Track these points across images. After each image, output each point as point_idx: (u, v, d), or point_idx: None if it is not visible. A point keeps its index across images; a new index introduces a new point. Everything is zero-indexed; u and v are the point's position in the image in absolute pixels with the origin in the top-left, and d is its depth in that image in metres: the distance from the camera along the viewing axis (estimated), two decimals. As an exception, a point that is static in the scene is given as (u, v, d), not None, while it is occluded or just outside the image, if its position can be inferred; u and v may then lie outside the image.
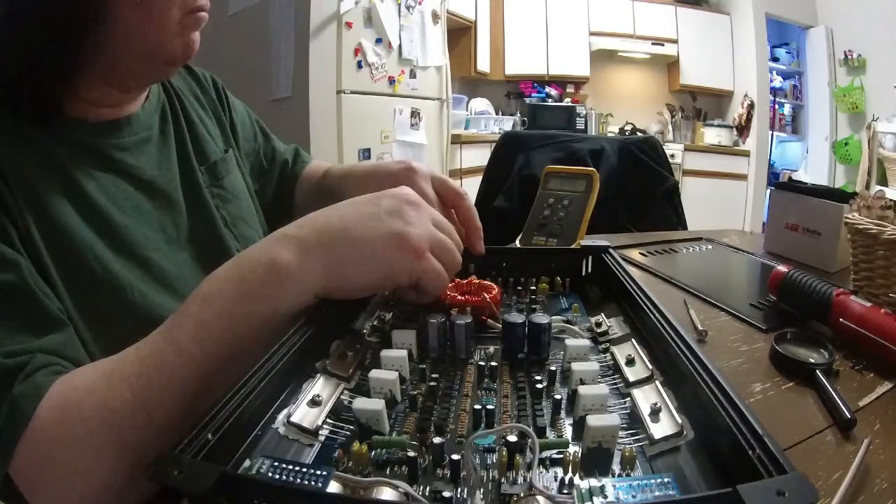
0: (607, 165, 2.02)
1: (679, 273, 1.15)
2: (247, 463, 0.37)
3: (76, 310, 0.60)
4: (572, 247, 0.87)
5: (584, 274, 0.76)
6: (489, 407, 0.44)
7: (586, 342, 0.55)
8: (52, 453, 0.46)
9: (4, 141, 0.61)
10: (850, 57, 5.19)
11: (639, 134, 5.10)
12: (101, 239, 0.65)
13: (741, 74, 5.46)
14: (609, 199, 1.83)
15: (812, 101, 5.76)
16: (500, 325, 0.58)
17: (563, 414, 0.45)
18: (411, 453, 0.39)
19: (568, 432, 0.43)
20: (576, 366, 0.49)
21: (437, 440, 0.40)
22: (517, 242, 0.97)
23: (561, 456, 0.39)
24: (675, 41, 5.51)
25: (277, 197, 1.06)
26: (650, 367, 0.49)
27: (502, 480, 0.37)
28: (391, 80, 3.20)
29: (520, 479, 0.37)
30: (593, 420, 0.40)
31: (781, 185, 1.40)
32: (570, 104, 5.46)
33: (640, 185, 2.07)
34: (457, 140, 4.05)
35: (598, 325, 0.61)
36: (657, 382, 0.47)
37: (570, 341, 0.54)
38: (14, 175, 0.59)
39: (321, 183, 1.04)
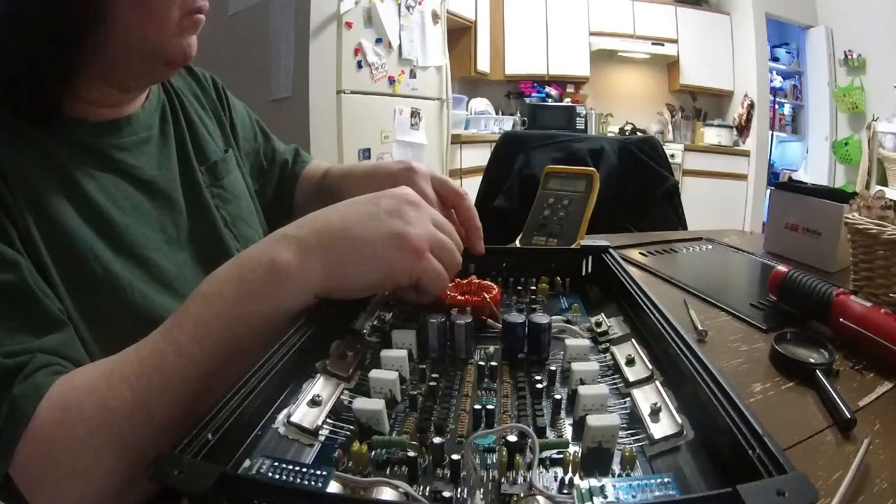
0: (607, 165, 2.02)
1: (679, 273, 1.15)
2: (247, 463, 0.37)
3: (76, 309, 0.60)
4: (572, 247, 0.86)
5: (584, 274, 0.76)
6: (489, 407, 0.44)
7: (586, 342, 0.55)
8: (52, 453, 0.46)
9: (4, 141, 0.61)
10: (850, 57, 5.19)
11: (639, 134, 5.10)
12: (101, 239, 0.65)
13: (741, 74, 5.46)
14: (609, 199, 1.83)
15: (812, 101, 5.76)
16: (500, 325, 0.58)
17: (563, 414, 0.45)
18: (411, 453, 0.39)
19: (568, 432, 0.43)
20: (576, 366, 0.49)
21: (436, 440, 0.40)
22: (517, 242, 0.97)
23: (561, 456, 0.39)
24: (675, 41, 5.51)
25: (277, 197, 1.06)
26: (650, 367, 0.49)
27: (502, 480, 0.37)
28: (391, 80, 3.20)
29: (520, 479, 0.37)
30: (593, 420, 0.40)
31: (781, 185, 1.40)
32: (570, 104, 5.46)
33: (640, 185, 2.07)
34: (457, 140, 4.05)
35: (598, 325, 0.61)
36: (657, 382, 0.47)
37: (570, 341, 0.54)
38: (14, 175, 0.59)
39: (321, 183, 1.04)
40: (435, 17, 3.48)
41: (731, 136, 5.48)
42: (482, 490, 0.37)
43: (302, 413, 0.44)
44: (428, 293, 0.58)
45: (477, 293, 0.63)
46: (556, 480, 0.38)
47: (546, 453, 0.40)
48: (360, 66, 2.97)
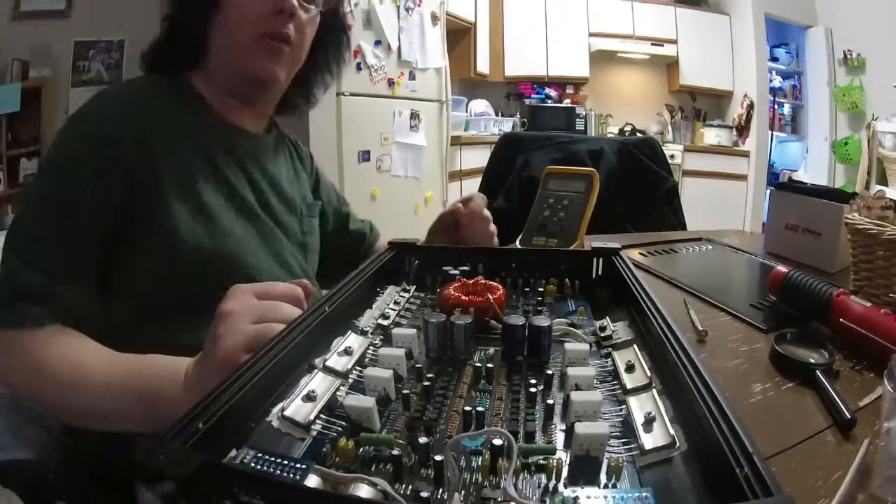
0: (607, 166, 2.02)
1: (679, 273, 1.15)
2: (233, 453, 0.38)
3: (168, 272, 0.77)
4: (582, 248, 0.86)
5: (594, 276, 0.76)
6: (479, 409, 0.44)
7: (585, 346, 0.55)
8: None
9: (167, 123, 0.81)
10: (849, 57, 5.19)
11: (638, 135, 5.10)
12: (224, 205, 0.84)
13: (741, 75, 5.46)
14: (609, 199, 1.82)
15: (811, 101, 5.75)
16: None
17: (555, 419, 0.45)
18: (396, 452, 0.39)
19: (560, 438, 0.43)
20: (571, 370, 0.49)
21: (423, 440, 0.40)
22: (517, 243, 0.97)
23: (546, 462, 0.39)
24: (675, 42, 5.50)
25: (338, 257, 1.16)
26: (649, 374, 0.48)
27: (485, 484, 0.37)
28: (390, 82, 3.19)
29: (502, 483, 0.37)
30: (581, 428, 0.40)
31: (781, 185, 1.40)
32: (569, 105, 5.45)
33: (640, 186, 2.07)
34: (456, 141, 4.05)
35: (603, 329, 0.60)
36: (654, 391, 0.46)
37: (569, 345, 0.54)
38: (162, 146, 0.79)
39: None
40: (434, 18, 3.48)
41: (730, 136, 5.48)
42: (462, 492, 0.37)
43: (296, 407, 0.44)
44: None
45: (481, 293, 0.63)
46: (539, 487, 0.38)
47: (533, 459, 0.39)
48: (359, 68, 2.97)
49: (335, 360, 0.51)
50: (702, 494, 0.36)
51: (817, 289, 0.85)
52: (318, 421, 0.44)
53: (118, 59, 2.88)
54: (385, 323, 0.62)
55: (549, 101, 5.59)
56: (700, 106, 5.88)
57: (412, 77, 3.36)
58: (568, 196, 0.99)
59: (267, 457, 0.37)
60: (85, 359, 0.69)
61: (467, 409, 0.44)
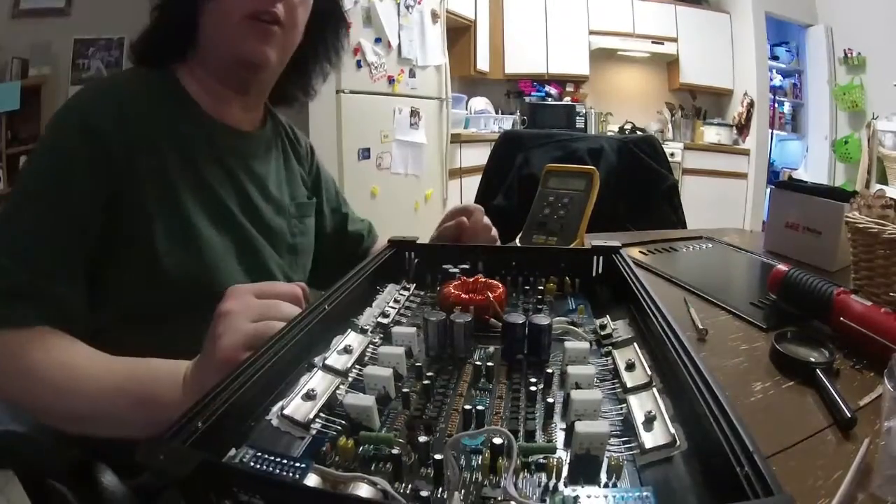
0: (607, 164, 2.02)
1: (679, 272, 1.15)
2: (232, 452, 0.37)
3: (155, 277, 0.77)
4: (582, 246, 0.86)
5: (594, 275, 0.76)
6: (479, 408, 0.44)
7: (585, 345, 0.54)
8: None
9: (153, 124, 0.80)
10: (849, 55, 5.18)
11: (638, 133, 5.09)
12: (203, 214, 0.82)
13: (741, 73, 5.45)
14: (609, 197, 1.82)
15: (812, 100, 5.75)
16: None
17: (555, 418, 0.45)
18: (396, 451, 0.39)
19: (560, 436, 0.43)
20: (572, 369, 0.49)
21: (422, 439, 0.40)
22: (517, 241, 0.97)
23: (546, 461, 0.39)
24: (675, 40, 5.49)
25: (335, 258, 1.14)
26: (649, 373, 0.48)
27: (485, 483, 0.37)
28: (390, 80, 3.19)
29: (502, 482, 0.37)
30: (581, 426, 0.39)
31: (782, 183, 1.40)
32: (569, 103, 5.45)
33: (640, 184, 2.07)
34: (456, 139, 4.04)
35: (603, 327, 0.60)
36: (654, 390, 0.46)
37: (569, 344, 0.54)
38: (149, 153, 0.78)
39: None
40: (434, 16, 3.47)
41: (730, 134, 5.47)
42: (462, 491, 0.37)
43: (295, 406, 0.44)
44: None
45: (482, 292, 0.63)
46: (539, 486, 0.38)
47: (533, 458, 0.39)
48: (359, 65, 2.97)
49: (335, 359, 0.51)
50: (702, 493, 0.36)
51: (817, 288, 0.85)
52: (317, 420, 0.44)
53: (118, 57, 2.87)
54: (385, 321, 0.61)
55: (550, 99, 5.58)
56: (700, 104, 5.87)
57: (412, 74, 3.36)
58: (568, 194, 0.99)
59: (266, 456, 0.37)
60: (79, 362, 0.67)
61: (467, 407, 0.44)
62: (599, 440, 0.39)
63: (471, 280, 0.66)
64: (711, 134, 5.51)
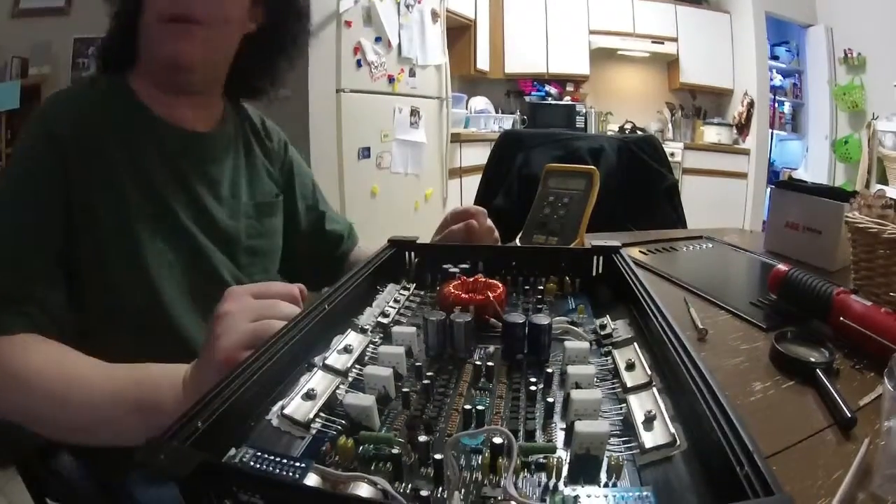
0: (607, 164, 2.02)
1: (679, 271, 1.15)
2: (232, 451, 0.37)
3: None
4: (582, 246, 0.86)
5: (594, 274, 0.75)
6: (479, 407, 0.43)
7: (585, 345, 0.54)
8: None
9: (105, 130, 0.80)
10: (849, 55, 5.18)
11: (638, 132, 5.09)
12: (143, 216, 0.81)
13: (741, 73, 5.45)
14: (609, 197, 1.82)
15: (812, 100, 5.75)
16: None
17: (555, 418, 0.45)
18: (396, 450, 0.38)
19: (560, 436, 0.43)
20: (572, 369, 0.49)
21: (422, 439, 0.40)
22: (517, 241, 0.97)
23: (546, 461, 0.39)
24: (675, 40, 5.49)
25: (311, 259, 1.13)
26: (649, 372, 0.48)
27: (485, 483, 0.37)
28: (390, 79, 3.19)
29: (502, 482, 0.37)
30: (581, 426, 0.39)
31: (782, 183, 1.40)
32: (569, 103, 5.45)
33: (640, 184, 2.07)
34: (456, 139, 4.04)
35: (603, 327, 0.60)
36: (654, 389, 0.46)
37: (569, 343, 0.54)
38: (98, 158, 0.78)
39: None
40: (434, 15, 3.47)
41: (730, 134, 5.47)
42: (462, 491, 0.37)
43: (295, 406, 0.44)
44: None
45: (482, 291, 0.63)
46: (539, 485, 0.38)
47: (533, 457, 0.39)
48: (359, 64, 2.97)
49: (335, 359, 0.51)
50: (702, 493, 0.36)
51: (817, 287, 0.85)
52: (317, 419, 0.44)
53: (117, 56, 2.87)
54: (385, 321, 0.61)
55: (550, 99, 5.59)
56: (700, 104, 5.87)
57: (412, 74, 3.36)
58: (568, 194, 0.98)
59: (266, 456, 0.37)
60: (75, 369, 0.66)
61: (467, 407, 0.44)
62: (599, 440, 0.39)
63: (471, 280, 0.66)
64: (711, 134, 5.51)
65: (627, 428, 0.43)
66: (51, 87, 2.89)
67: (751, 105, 5.30)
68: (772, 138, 5.36)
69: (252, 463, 0.36)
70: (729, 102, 5.69)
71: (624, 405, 0.46)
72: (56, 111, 0.80)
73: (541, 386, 0.49)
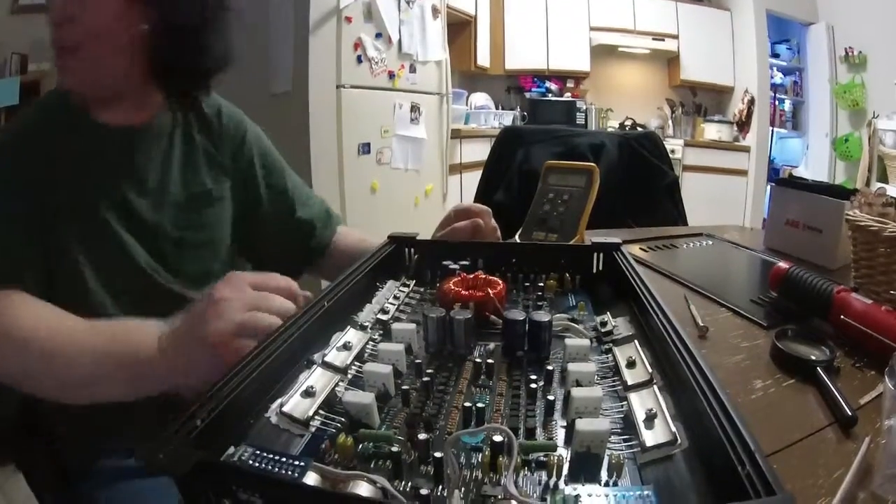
0: (607, 160, 2.02)
1: (679, 269, 1.14)
2: (231, 449, 0.37)
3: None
4: (582, 243, 0.86)
5: (594, 271, 0.75)
6: (479, 405, 0.43)
7: (586, 342, 0.54)
8: None
9: (61, 135, 0.84)
10: (850, 54, 5.17)
11: (639, 129, 5.08)
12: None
13: (742, 70, 5.45)
14: (609, 194, 1.82)
15: (812, 98, 5.75)
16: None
17: (556, 416, 0.45)
18: (395, 448, 0.38)
19: (560, 434, 0.43)
20: (572, 366, 0.49)
21: (422, 436, 0.39)
22: (517, 237, 0.97)
23: (546, 459, 0.39)
24: (676, 37, 5.48)
25: (280, 244, 1.10)
26: (650, 370, 0.48)
27: (485, 481, 0.37)
28: (391, 75, 3.18)
29: (503, 481, 0.36)
30: (582, 424, 0.39)
31: (782, 181, 1.40)
32: (570, 99, 5.44)
33: (641, 181, 2.06)
34: (457, 135, 4.03)
35: (604, 324, 0.60)
36: (655, 387, 0.46)
37: (569, 341, 0.54)
38: (61, 161, 0.82)
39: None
40: (435, 11, 3.46)
41: (731, 131, 5.46)
42: (462, 489, 0.36)
43: (294, 403, 0.44)
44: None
45: (482, 288, 0.63)
46: (539, 484, 0.37)
47: (533, 455, 0.39)
48: (359, 60, 2.96)
49: (334, 356, 0.51)
50: (703, 492, 0.36)
51: (818, 285, 0.85)
52: (316, 417, 0.44)
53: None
54: (384, 318, 0.61)
55: (550, 95, 5.57)
56: (701, 101, 5.87)
57: (413, 70, 3.35)
58: (568, 191, 0.98)
59: (265, 454, 0.36)
60: (59, 325, 0.69)
61: (467, 405, 0.43)
62: (600, 438, 0.39)
63: (471, 276, 0.65)
64: (712, 131, 5.51)
65: (628, 426, 0.43)
66: (50, 84, 2.87)
67: (751, 102, 5.29)
68: (772, 136, 5.36)
69: (251, 461, 0.36)
70: (729, 100, 5.68)
71: (625, 403, 0.45)
72: (23, 123, 0.87)
73: (541, 383, 0.49)
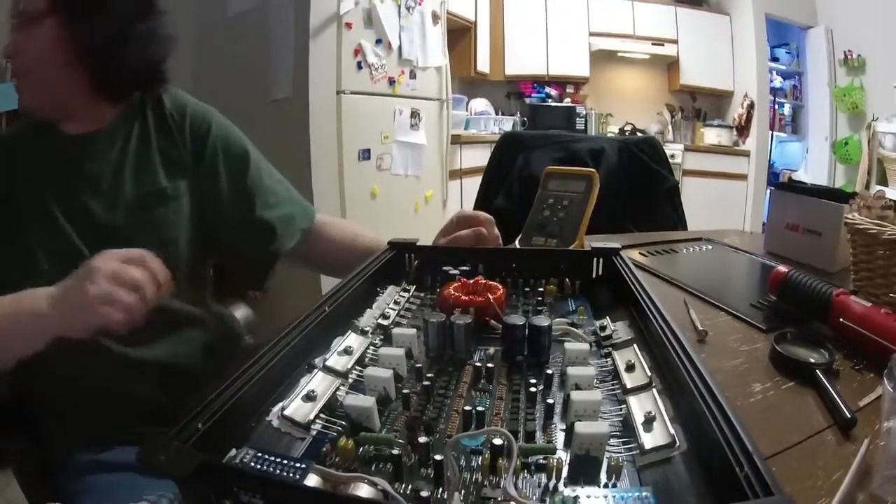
0: (607, 165, 2.02)
1: (679, 273, 1.15)
2: (232, 452, 0.38)
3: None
4: (582, 248, 0.86)
5: (594, 276, 0.76)
6: (479, 409, 0.44)
7: (585, 346, 0.55)
8: None
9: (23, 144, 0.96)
10: (849, 57, 5.18)
11: (639, 134, 5.09)
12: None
13: (741, 74, 5.45)
14: (609, 199, 1.82)
15: (812, 102, 5.75)
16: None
17: (555, 419, 0.45)
18: (396, 451, 0.39)
19: (560, 437, 0.43)
20: (572, 370, 0.49)
21: (422, 440, 0.40)
22: (517, 243, 0.97)
23: (546, 462, 0.39)
24: (675, 41, 5.49)
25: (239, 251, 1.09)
26: (649, 374, 0.48)
27: (485, 484, 0.37)
28: (391, 81, 3.19)
29: (502, 483, 0.37)
30: (581, 427, 0.39)
31: (782, 185, 1.40)
32: (569, 104, 5.45)
33: (641, 186, 2.07)
34: (457, 140, 4.04)
35: (603, 328, 0.60)
36: (654, 390, 0.46)
37: (568, 345, 0.54)
38: (22, 169, 0.92)
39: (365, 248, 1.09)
40: (435, 17, 3.47)
41: (730, 136, 5.47)
42: (462, 492, 0.37)
43: (295, 407, 0.44)
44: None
45: (482, 293, 0.63)
46: (539, 486, 0.38)
47: (532, 458, 0.39)
48: (359, 66, 2.97)
49: (335, 360, 0.51)
50: (702, 494, 0.36)
51: (817, 289, 0.85)
52: (317, 420, 0.44)
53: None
54: (385, 323, 0.62)
55: (550, 101, 5.58)
56: (700, 106, 5.87)
57: (413, 76, 3.35)
58: (568, 196, 0.99)
59: (267, 456, 0.37)
60: None
61: (467, 408, 0.44)
62: (599, 441, 0.39)
63: (471, 281, 0.66)
64: (712, 135, 5.51)
65: (627, 429, 0.43)
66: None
67: (751, 107, 5.30)
68: (772, 140, 5.36)
69: (252, 463, 0.36)
70: (729, 104, 5.68)
71: (624, 406, 0.46)
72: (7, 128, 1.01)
73: (541, 387, 0.49)
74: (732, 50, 5.48)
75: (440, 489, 0.37)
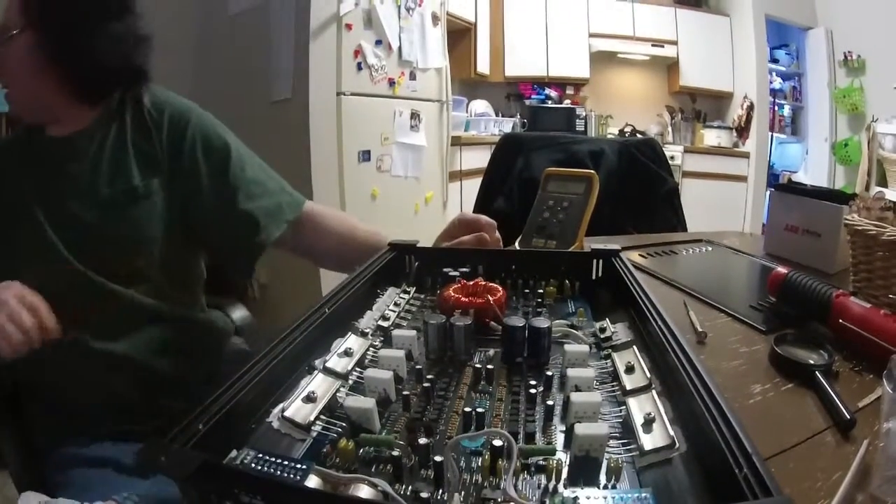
0: (607, 167, 2.02)
1: (679, 275, 1.15)
2: (233, 453, 0.38)
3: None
4: (581, 250, 0.87)
5: (594, 278, 0.76)
6: (479, 410, 0.44)
7: (585, 348, 0.55)
8: None
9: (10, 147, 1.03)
10: (849, 58, 5.18)
11: (638, 135, 5.09)
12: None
13: (741, 76, 5.46)
14: (609, 200, 1.82)
15: (812, 103, 5.75)
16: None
17: (555, 420, 0.45)
18: (396, 452, 0.39)
19: (560, 439, 0.43)
20: (571, 372, 0.49)
21: (422, 441, 0.40)
22: (516, 244, 0.97)
23: (546, 463, 0.39)
24: (675, 43, 5.50)
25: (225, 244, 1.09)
26: (648, 375, 0.48)
27: (485, 485, 0.38)
28: (391, 82, 3.19)
29: (502, 484, 0.37)
30: (581, 428, 0.40)
31: (781, 186, 1.40)
32: (569, 106, 5.44)
33: (640, 187, 2.07)
34: (457, 142, 4.04)
35: (603, 330, 0.60)
36: (654, 392, 0.46)
37: (568, 346, 0.54)
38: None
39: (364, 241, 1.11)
40: (435, 18, 3.47)
41: (730, 137, 5.47)
42: (462, 493, 0.37)
43: (296, 408, 0.44)
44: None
45: (482, 295, 0.63)
46: (539, 487, 0.38)
47: (532, 459, 0.40)
48: (359, 67, 2.97)
49: (335, 362, 0.51)
50: (701, 495, 0.36)
51: (817, 290, 0.85)
52: (318, 422, 0.44)
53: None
54: (385, 324, 0.62)
55: (550, 102, 5.58)
56: (700, 107, 5.88)
57: (413, 77, 3.36)
58: (567, 198, 0.99)
59: (267, 457, 0.37)
60: None
61: (467, 410, 0.44)
62: (599, 442, 0.39)
63: (471, 283, 0.66)
64: (711, 137, 5.51)
65: (627, 430, 0.43)
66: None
67: (750, 108, 5.30)
68: (771, 141, 5.37)
69: (253, 464, 0.37)
70: (729, 105, 5.69)
71: (623, 408, 0.46)
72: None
73: (540, 389, 0.49)
74: (732, 51, 5.49)
75: (440, 490, 0.37)
